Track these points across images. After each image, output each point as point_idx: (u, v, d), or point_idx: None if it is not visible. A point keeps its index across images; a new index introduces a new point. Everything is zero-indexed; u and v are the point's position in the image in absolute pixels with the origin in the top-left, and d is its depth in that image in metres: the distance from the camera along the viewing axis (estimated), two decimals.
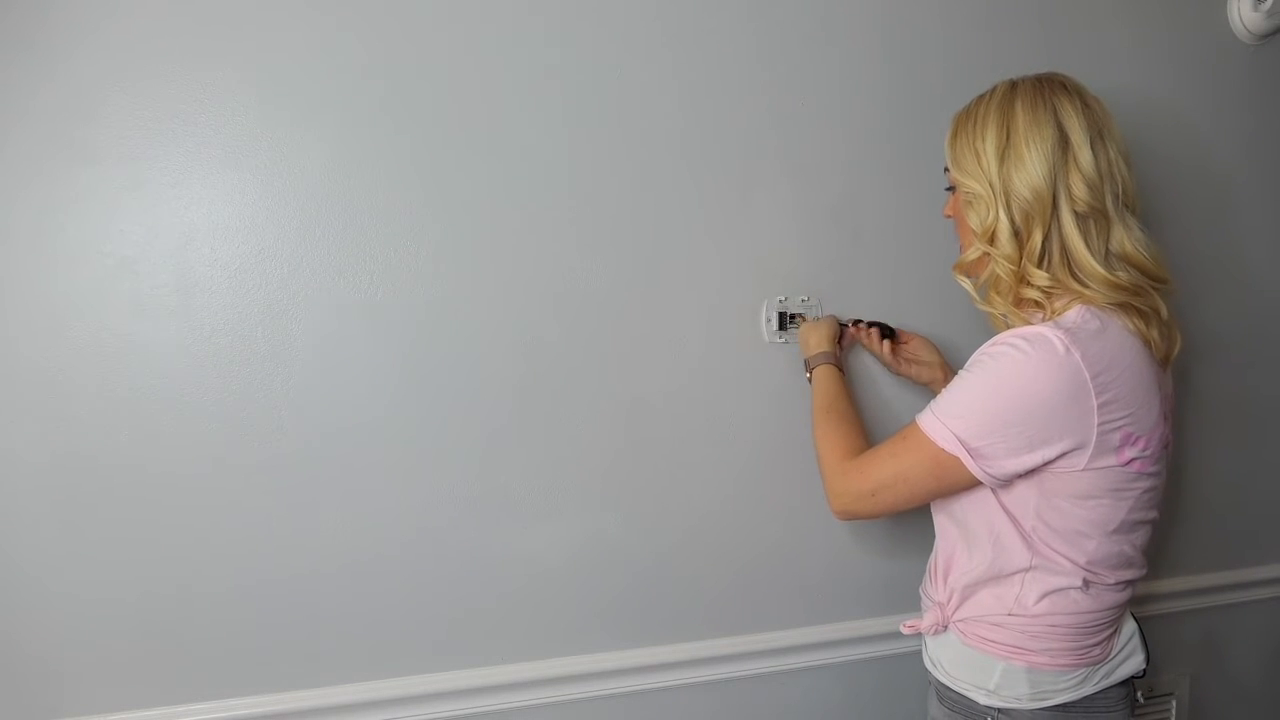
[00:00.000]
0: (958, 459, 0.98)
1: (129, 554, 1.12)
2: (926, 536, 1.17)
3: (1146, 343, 1.01)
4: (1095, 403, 0.93)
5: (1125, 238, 1.00)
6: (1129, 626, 1.10)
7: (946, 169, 1.09)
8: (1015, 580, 1.03)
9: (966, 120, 1.06)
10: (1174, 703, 1.66)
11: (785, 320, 1.34)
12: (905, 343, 1.34)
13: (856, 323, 1.34)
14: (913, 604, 1.22)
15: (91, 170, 1.08)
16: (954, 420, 0.98)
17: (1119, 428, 0.96)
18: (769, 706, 1.41)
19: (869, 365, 1.39)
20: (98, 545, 1.11)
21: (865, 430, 1.18)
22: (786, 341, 1.35)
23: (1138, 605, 1.56)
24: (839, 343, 1.30)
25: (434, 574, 1.23)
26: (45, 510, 1.09)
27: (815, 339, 1.29)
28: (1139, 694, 1.59)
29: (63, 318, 1.08)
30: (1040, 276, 0.99)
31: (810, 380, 1.27)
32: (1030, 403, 0.94)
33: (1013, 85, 1.04)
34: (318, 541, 1.18)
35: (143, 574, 1.13)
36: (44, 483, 1.09)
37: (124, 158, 1.09)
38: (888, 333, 1.33)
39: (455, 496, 1.23)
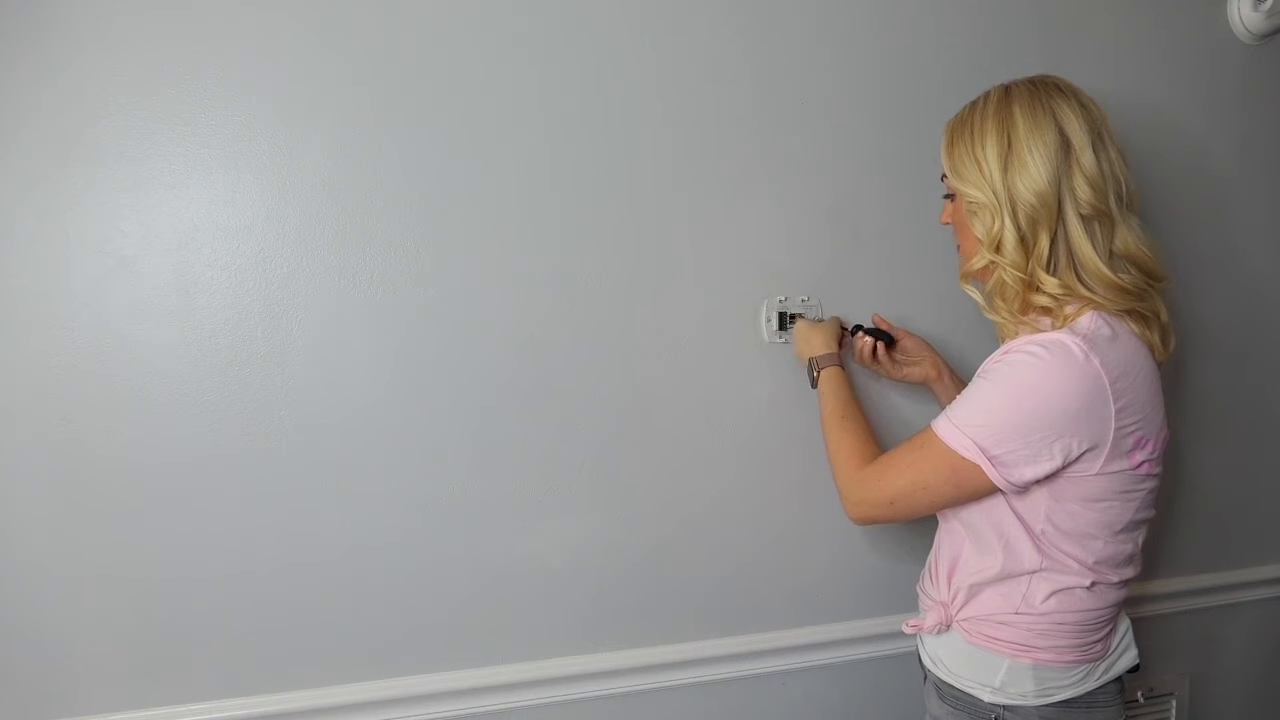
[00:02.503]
0: (977, 467, 0.97)
1: (127, 554, 1.12)
2: (926, 536, 1.17)
3: (1149, 346, 1.01)
4: (1113, 408, 0.93)
5: (1128, 237, 0.99)
6: (1124, 623, 1.11)
7: (944, 176, 1.09)
8: (1023, 580, 1.03)
9: (962, 128, 1.04)
10: (1174, 703, 1.66)
11: (785, 320, 1.34)
12: (899, 340, 1.33)
13: (857, 329, 1.31)
14: (911, 604, 1.22)
15: (91, 170, 1.08)
16: (973, 428, 0.97)
17: (1132, 432, 0.96)
18: (768, 706, 1.41)
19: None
20: (96, 546, 1.11)
21: (876, 434, 1.17)
22: (786, 341, 1.34)
23: (1136, 606, 1.57)
24: (839, 345, 1.29)
25: (434, 574, 1.23)
26: (44, 510, 1.09)
27: (819, 340, 1.27)
28: (1139, 694, 1.61)
29: (63, 318, 1.08)
30: (1051, 283, 0.98)
31: (816, 382, 1.25)
32: (1051, 410, 0.93)
33: (1006, 90, 1.02)
34: (317, 542, 1.18)
35: (141, 575, 1.13)
36: (43, 482, 1.09)
37: (124, 158, 1.09)
38: (887, 340, 1.30)
39: (454, 496, 1.23)
